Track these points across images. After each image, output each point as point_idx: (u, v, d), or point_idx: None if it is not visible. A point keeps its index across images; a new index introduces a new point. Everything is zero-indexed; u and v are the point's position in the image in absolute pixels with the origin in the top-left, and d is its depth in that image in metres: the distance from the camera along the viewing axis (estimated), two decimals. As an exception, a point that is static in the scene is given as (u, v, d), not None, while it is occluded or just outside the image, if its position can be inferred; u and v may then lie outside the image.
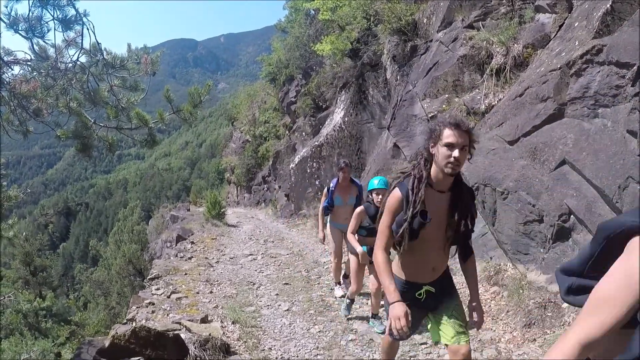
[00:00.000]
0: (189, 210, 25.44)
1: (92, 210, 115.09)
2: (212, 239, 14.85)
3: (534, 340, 5.33)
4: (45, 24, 3.72)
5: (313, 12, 23.45)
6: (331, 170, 17.45)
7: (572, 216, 5.92)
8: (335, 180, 7.93)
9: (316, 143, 18.46)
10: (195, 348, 5.07)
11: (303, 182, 18.95)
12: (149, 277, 9.95)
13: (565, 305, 5.48)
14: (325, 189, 8.02)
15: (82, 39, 3.93)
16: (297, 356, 5.68)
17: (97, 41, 4.04)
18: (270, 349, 5.89)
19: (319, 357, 5.64)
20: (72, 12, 3.71)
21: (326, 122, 19.35)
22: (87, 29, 3.87)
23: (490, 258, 7.50)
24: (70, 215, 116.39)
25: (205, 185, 69.45)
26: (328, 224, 8.21)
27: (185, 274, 9.83)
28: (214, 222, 18.08)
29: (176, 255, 12.21)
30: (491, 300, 6.74)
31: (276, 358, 5.62)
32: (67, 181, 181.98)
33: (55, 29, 3.77)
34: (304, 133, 22.42)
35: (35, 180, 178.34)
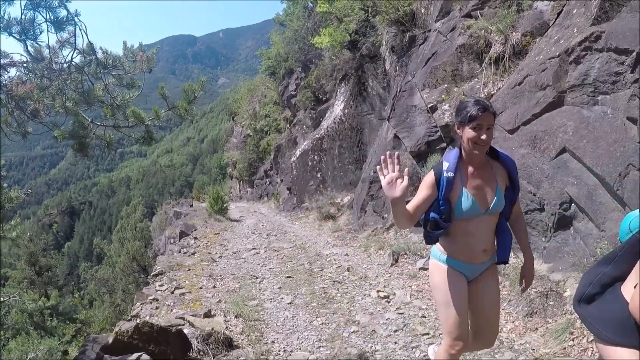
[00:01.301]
0: (191, 206, 25.50)
1: (95, 208, 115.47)
2: (215, 234, 14.88)
3: (536, 329, 5.34)
4: (38, 26, 3.73)
5: (311, 4, 23.42)
6: (332, 162, 17.45)
7: (573, 204, 5.91)
8: (454, 154, 3.43)
9: (317, 136, 18.45)
10: (198, 342, 5.10)
11: (305, 175, 18.96)
12: (152, 274, 9.98)
13: (566, 293, 5.48)
14: (430, 176, 3.41)
15: (75, 40, 3.94)
16: (300, 349, 5.70)
17: (89, 41, 4.05)
18: (273, 342, 5.91)
19: (321, 349, 5.66)
20: (64, 13, 3.72)
21: (326, 115, 19.34)
22: (80, 30, 3.88)
23: (492, 247, 7.50)
24: (74, 214, 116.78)
25: (208, 181, 69.63)
26: (434, 260, 3.71)
27: (189, 270, 9.86)
28: (216, 217, 18.12)
29: (179, 251, 12.24)
30: (493, 289, 6.74)
31: (279, 351, 5.64)
32: (70, 180, 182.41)
33: (48, 31, 3.78)
34: (304, 126, 22.42)
35: (38, 181, 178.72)
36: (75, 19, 3.80)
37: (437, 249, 3.65)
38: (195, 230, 15.65)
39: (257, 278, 9.22)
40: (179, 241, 14.43)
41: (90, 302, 37.55)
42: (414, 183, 10.34)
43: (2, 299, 14.43)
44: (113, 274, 33.46)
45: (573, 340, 4.78)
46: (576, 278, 5.42)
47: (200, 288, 8.52)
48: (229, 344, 5.42)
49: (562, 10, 7.81)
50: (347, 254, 10.60)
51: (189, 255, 11.54)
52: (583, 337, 4.73)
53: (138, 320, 5.86)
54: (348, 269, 9.23)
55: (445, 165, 3.37)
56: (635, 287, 2.23)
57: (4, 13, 3.56)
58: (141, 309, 7.22)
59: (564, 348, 4.76)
